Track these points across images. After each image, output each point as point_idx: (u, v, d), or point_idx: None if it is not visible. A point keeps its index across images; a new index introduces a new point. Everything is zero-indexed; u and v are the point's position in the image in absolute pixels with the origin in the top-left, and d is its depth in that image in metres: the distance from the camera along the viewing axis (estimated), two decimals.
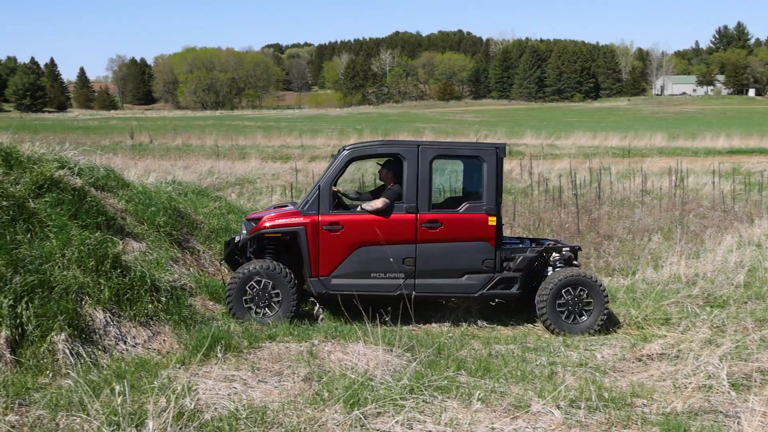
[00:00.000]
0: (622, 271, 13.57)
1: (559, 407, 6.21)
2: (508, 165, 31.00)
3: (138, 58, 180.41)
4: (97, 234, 8.74)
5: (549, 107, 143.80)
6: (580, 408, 6.20)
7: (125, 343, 7.86)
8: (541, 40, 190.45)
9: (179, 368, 7.02)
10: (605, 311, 9.68)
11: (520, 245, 10.27)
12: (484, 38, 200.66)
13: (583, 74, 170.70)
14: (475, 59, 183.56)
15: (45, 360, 7.12)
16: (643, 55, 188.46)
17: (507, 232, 16.42)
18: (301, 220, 9.44)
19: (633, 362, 8.04)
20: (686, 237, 15.83)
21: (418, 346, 7.90)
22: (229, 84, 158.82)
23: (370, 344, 7.66)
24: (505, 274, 9.77)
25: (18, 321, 7.26)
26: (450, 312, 10.41)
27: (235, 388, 6.58)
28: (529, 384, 6.99)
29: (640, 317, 9.98)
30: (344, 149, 9.72)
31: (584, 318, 9.68)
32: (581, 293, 9.65)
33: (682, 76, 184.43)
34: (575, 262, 10.33)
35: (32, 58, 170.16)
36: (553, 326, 9.61)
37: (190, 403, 5.81)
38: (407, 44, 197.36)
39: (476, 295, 9.73)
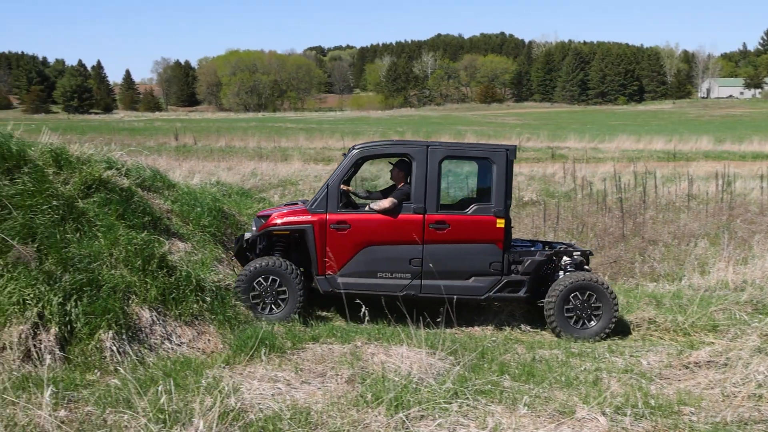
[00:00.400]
0: (667, 277, 13.37)
1: (604, 414, 6.13)
2: (551, 168, 30.83)
3: (182, 61, 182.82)
4: (143, 234, 8.86)
5: (592, 110, 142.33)
6: (626, 415, 6.12)
7: (171, 342, 7.96)
8: (585, 42, 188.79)
9: (224, 368, 7.09)
10: (615, 316, 9.57)
11: (531, 248, 10.21)
12: (527, 40, 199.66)
13: (627, 77, 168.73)
14: (518, 62, 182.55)
15: (93, 357, 7.24)
16: (688, 58, 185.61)
17: (550, 236, 16.32)
18: (309, 218, 9.50)
19: (680, 369, 7.92)
20: (734, 242, 15.53)
21: (461, 350, 7.88)
22: (271, 86, 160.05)
23: (413, 347, 7.65)
24: (513, 277, 9.72)
25: (67, 318, 7.40)
26: (493, 315, 10.37)
27: (279, 388, 6.62)
28: (574, 390, 6.92)
29: (686, 324, 9.81)
30: (354, 148, 9.76)
31: (593, 323, 9.58)
32: (590, 298, 9.56)
33: (729, 79, 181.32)
34: (586, 267, 10.22)
35: (80, 61, 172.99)
36: (561, 331, 9.52)
37: (235, 403, 5.86)
38: (449, 47, 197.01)
39: (482, 297, 9.69)
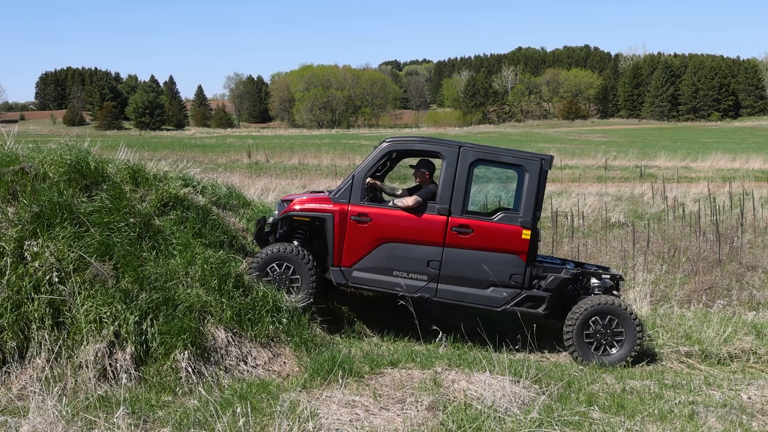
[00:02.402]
0: None
1: None
2: (639, 188, 30.30)
3: (255, 76, 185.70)
4: (220, 253, 9.06)
5: (683, 127, 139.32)
6: None
7: (246, 363, 8.08)
8: (675, 55, 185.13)
9: (301, 392, 7.16)
10: (638, 342, 9.38)
11: (561, 266, 10.01)
12: (613, 53, 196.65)
13: (722, 91, 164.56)
14: (603, 76, 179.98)
15: (168, 378, 7.42)
16: None
17: (640, 259, 16.01)
18: (330, 207, 9.53)
19: None
20: None
21: (546, 378, 7.79)
22: (345, 102, 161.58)
23: (496, 374, 7.60)
24: (533, 293, 9.58)
25: (143, 338, 7.61)
26: None
27: (357, 414, 6.66)
28: (668, 424, 6.77)
29: None
30: (384, 141, 9.81)
31: (615, 350, 9.42)
32: (611, 323, 9.38)
33: None
34: (615, 292, 10.01)
35: (152, 76, 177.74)
36: (579, 357, 9.36)
37: (313, 428, 5.93)
38: (530, 60, 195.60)
39: (499, 309, 9.59)
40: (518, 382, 7.48)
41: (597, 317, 9.40)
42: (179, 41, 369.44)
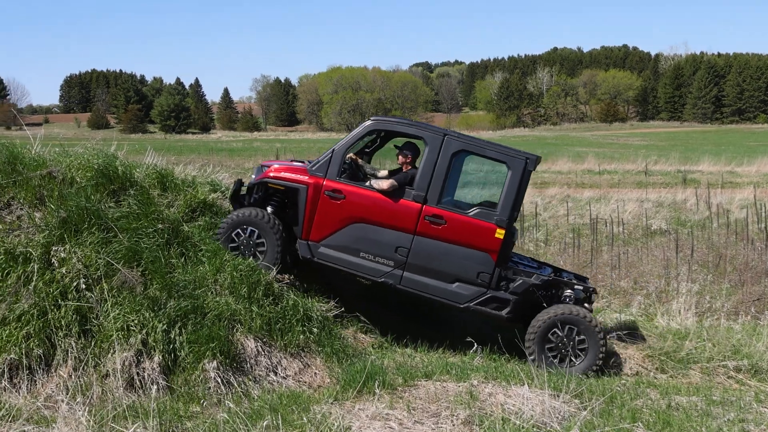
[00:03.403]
0: None
1: None
2: (681, 194, 29.99)
3: (282, 79, 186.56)
4: (249, 260, 9.10)
5: (727, 130, 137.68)
6: None
7: (276, 374, 8.12)
8: (719, 55, 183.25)
9: (332, 404, 7.17)
10: (601, 355, 9.35)
11: (537, 271, 9.98)
12: (653, 53, 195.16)
13: None
14: (643, 77, 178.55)
15: (196, 388, 7.47)
16: None
17: (683, 268, 15.85)
18: (305, 179, 9.54)
19: None
20: None
21: (587, 393, 7.74)
22: (375, 105, 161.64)
23: (535, 388, 7.55)
24: (499, 294, 9.54)
25: (171, 346, 7.67)
26: (625, 360, 10.11)
27: (390, 427, 6.65)
28: None
29: None
30: (369, 119, 9.86)
31: (577, 361, 9.38)
32: (573, 333, 9.35)
33: None
34: (586, 305, 9.92)
35: (177, 79, 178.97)
36: (539, 365, 9.24)
37: None
38: (566, 61, 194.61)
39: (462, 306, 9.55)
40: (558, 396, 7.44)
41: (559, 327, 9.39)
42: (205, 43, 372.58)
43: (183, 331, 7.79)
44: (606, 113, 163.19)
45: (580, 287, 9.98)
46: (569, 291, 9.88)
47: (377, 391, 7.40)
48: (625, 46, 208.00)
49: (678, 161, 51.44)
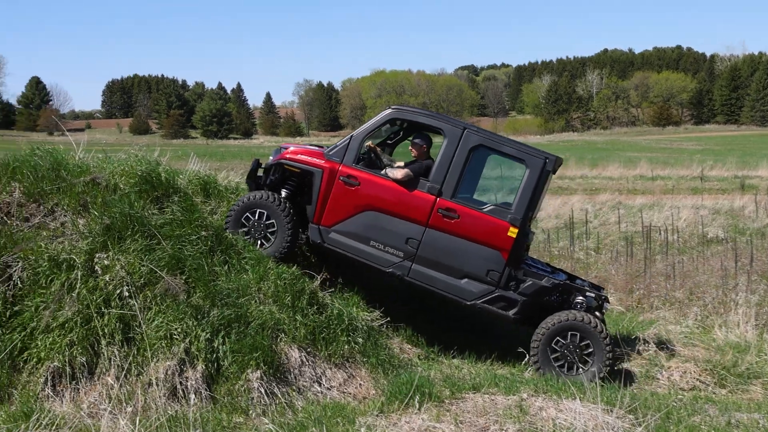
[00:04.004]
0: None
1: None
2: (739, 200, 29.53)
3: (325, 83, 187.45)
4: (293, 268, 9.13)
5: None
6: None
7: (320, 385, 8.12)
8: None
9: (378, 416, 7.15)
10: (608, 363, 9.27)
11: (550, 275, 9.93)
12: (708, 54, 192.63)
13: None
14: (697, 78, 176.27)
15: (240, 398, 7.49)
16: None
17: (742, 278, 15.55)
18: (321, 162, 9.60)
19: None
20: None
21: (642, 408, 7.60)
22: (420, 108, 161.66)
23: (587, 402, 7.46)
24: (508, 294, 9.53)
25: (214, 356, 7.71)
26: (680, 374, 9.95)
27: None
28: None
29: None
30: (390, 107, 9.90)
31: (583, 369, 9.33)
32: (578, 340, 9.33)
33: None
34: (597, 313, 9.87)
35: (219, 84, 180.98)
36: (543, 372, 9.28)
37: None
38: (617, 63, 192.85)
39: (469, 303, 9.56)
40: (611, 411, 7.32)
41: (565, 333, 9.37)
42: (247, 47, 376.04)
43: (226, 340, 7.83)
44: (659, 117, 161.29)
45: (592, 294, 9.96)
46: (581, 298, 9.88)
47: (424, 403, 7.37)
48: (678, 46, 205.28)
49: (735, 166, 50.68)
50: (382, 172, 9.73)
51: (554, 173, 9.91)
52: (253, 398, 7.52)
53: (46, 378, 7.34)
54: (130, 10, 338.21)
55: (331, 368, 8.35)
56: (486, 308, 9.60)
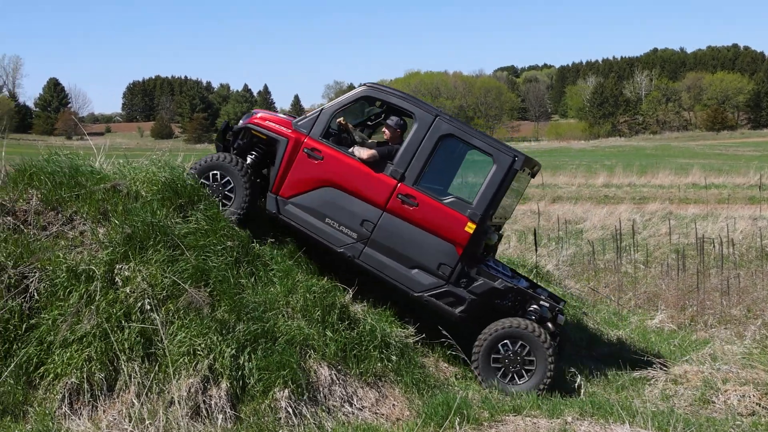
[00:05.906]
0: None
1: None
2: None
3: (356, 84, 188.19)
4: (323, 281, 9.14)
5: None
6: None
7: (351, 405, 8.11)
8: None
9: None
10: (549, 375, 9.24)
11: (509, 279, 10.03)
12: (767, 53, 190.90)
13: None
14: (755, 79, 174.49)
15: (266, 418, 7.50)
16: None
17: None
18: (287, 131, 9.87)
19: None
20: None
21: None
22: (456, 112, 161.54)
23: (637, 426, 7.40)
24: (457, 290, 9.59)
25: (239, 373, 7.72)
26: (738, 398, 9.82)
27: None
28: None
29: None
30: (364, 84, 10.10)
31: (523, 379, 9.34)
32: (517, 347, 9.34)
33: None
34: (549, 324, 9.80)
35: (245, 86, 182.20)
36: (481, 379, 9.36)
37: None
38: (668, 63, 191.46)
39: (416, 294, 9.67)
40: None
41: (508, 341, 9.41)
42: (274, 49, 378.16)
43: (252, 356, 7.85)
44: (713, 120, 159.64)
45: (547, 304, 9.99)
46: (535, 306, 9.95)
47: (462, 426, 7.35)
48: (734, 45, 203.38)
49: None
50: (350, 150, 9.89)
51: (533, 177, 10.23)
52: (280, 418, 7.53)
53: (63, 395, 7.41)
54: (152, 10, 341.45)
55: (362, 387, 8.34)
56: (432, 302, 9.70)
